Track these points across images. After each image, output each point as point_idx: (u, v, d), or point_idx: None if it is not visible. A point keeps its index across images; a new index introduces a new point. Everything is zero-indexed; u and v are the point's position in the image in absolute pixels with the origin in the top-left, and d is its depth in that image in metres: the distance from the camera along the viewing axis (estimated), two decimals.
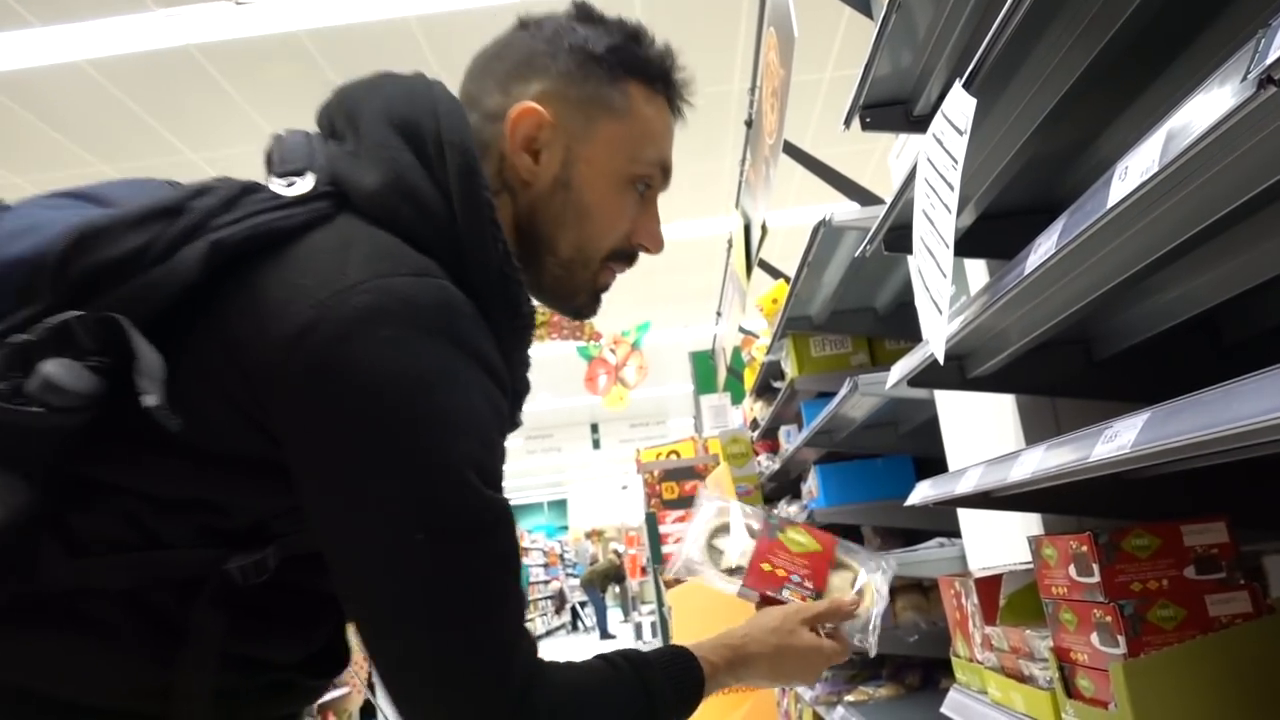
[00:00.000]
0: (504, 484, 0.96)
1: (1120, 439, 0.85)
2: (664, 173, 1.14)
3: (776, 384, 4.16)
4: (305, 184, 0.96)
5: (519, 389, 1.07)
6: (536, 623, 16.19)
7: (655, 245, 1.16)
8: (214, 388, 0.89)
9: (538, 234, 1.08)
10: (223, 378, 0.89)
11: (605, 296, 1.18)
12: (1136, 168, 0.78)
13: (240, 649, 0.94)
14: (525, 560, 16.74)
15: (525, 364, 1.09)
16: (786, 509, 4.27)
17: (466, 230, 0.96)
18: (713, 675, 1.10)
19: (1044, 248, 0.98)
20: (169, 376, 0.86)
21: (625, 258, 1.14)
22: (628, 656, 1.04)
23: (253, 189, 0.97)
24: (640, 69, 1.09)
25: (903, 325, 3.06)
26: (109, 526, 0.90)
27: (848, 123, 1.77)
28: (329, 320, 0.86)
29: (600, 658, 1.04)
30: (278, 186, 0.96)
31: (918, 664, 2.85)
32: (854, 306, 3.18)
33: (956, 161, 1.10)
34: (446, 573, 0.88)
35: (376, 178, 0.96)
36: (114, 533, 0.90)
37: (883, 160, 7.49)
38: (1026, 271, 1.04)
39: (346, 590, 0.92)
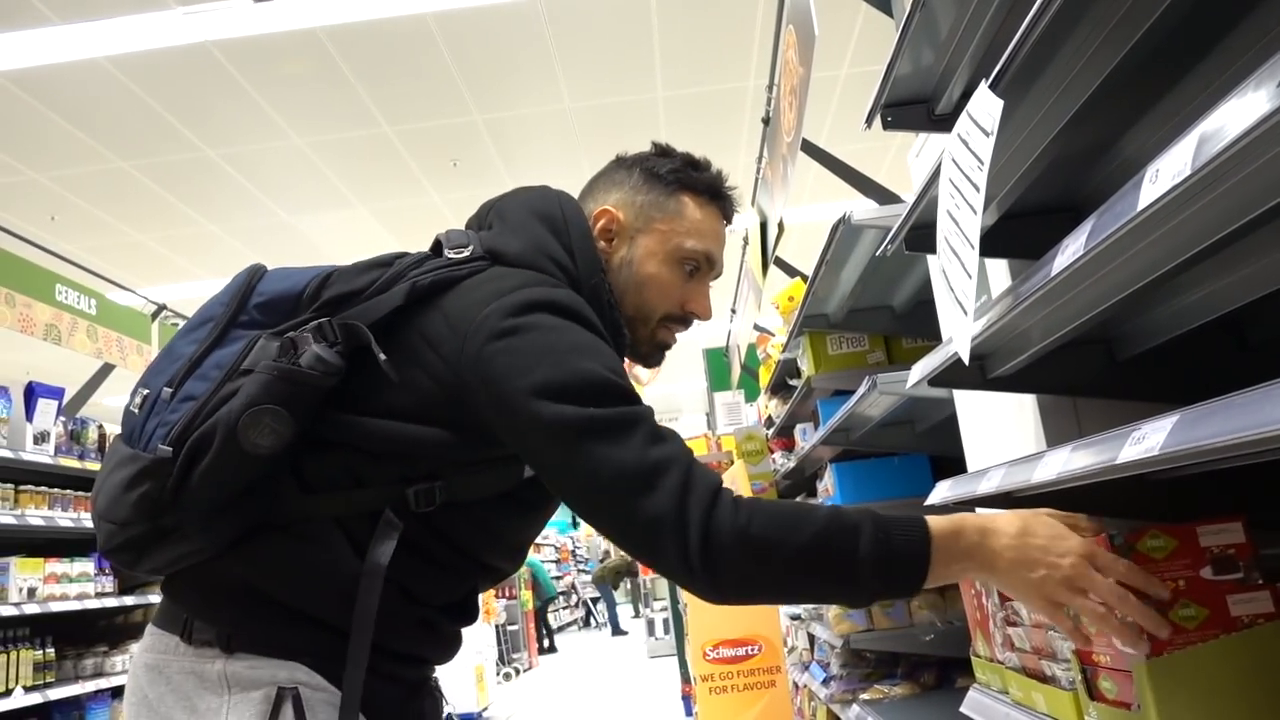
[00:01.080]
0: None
1: (1148, 441, 0.86)
2: (709, 261, 1.52)
3: (793, 382, 4.15)
4: (468, 251, 1.38)
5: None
6: (549, 618, 16.19)
7: (703, 314, 1.54)
8: (418, 367, 1.28)
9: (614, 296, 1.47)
10: (425, 360, 1.28)
11: None
12: (1168, 170, 0.78)
13: (402, 577, 1.28)
14: (537, 556, 16.81)
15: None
16: None
17: (584, 274, 1.40)
18: (941, 539, 1.10)
19: (1072, 249, 0.98)
20: (392, 365, 1.27)
21: (679, 320, 1.52)
22: (844, 509, 1.16)
23: (432, 256, 1.40)
24: (690, 185, 1.51)
25: (920, 323, 3.06)
26: (330, 471, 1.29)
27: (869, 122, 1.77)
28: (498, 309, 1.26)
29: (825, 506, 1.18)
30: (450, 254, 1.38)
31: (934, 663, 2.86)
32: (871, 304, 3.17)
33: (983, 162, 1.11)
34: (617, 435, 1.17)
35: (521, 243, 1.39)
36: (333, 475, 1.29)
37: (898, 156, 7.46)
38: (1054, 273, 1.04)
39: (563, 492, 1.24)
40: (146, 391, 1.31)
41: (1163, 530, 1.07)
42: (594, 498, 1.19)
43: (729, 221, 1.58)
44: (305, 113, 6.45)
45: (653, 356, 1.54)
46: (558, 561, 21.25)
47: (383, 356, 1.26)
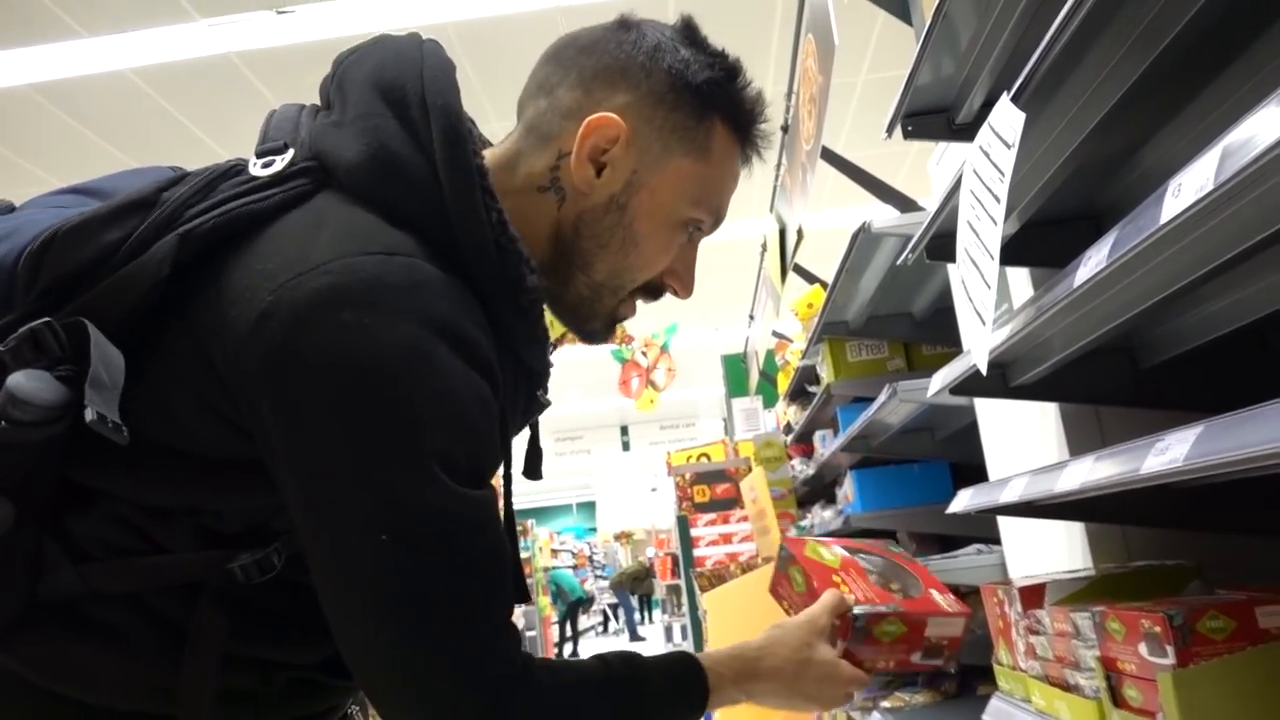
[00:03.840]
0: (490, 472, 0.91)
1: (1172, 452, 0.86)
2: (717, 220, 1.09)
3: (812, 389, 4.15)
4: (282, 162, 0.92)
5: (536, 367, 1.02)
6: (566, 625, 16.22)
7: (685, 290, 1.11)
8: (186, 387, 0.86)
9: (577, 248, 1.02)
10: (192, 375, 0.85)
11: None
12: (1191, 185, 0.78)
13: (249, 650, 0.93)
14: (554, 562, 16.80)
15: (539, 340, 1.00)
16: (821, 514, 4.27)
17: (454, 200, 0.90)
18: (719, 688, 1.04)
19: (1094, 260, 0.99)
20: (142, 379, 0.84)
21: (652, 292, 1.10)
22: (627, 660, 0.99)
23: (231, 172, 0.93)
24: (731, 111, 1.03)
25: (940, 330, 3.06)
26: (106, 531, 0.89)
27: (890, 131, 1.77)
28: (286, 305, 0.81)
29: (597, 658, 0.98)
30: (255, 167, 0.92)
31: (955, 670, 2.85)
32: (891, 312, 3.18)
33: (1004, 174, 1.11)
34: (411, 574, 0.83)
35: (358, 149, 0.91)
36: (111, 537, 0.89)
37: (916, 162, 7.45)
38: (1076, 284, 1.04)
39: (319, 587, 0.87)
40: None
41: (1221, 611, 1.04)
42: (350, 634, 0.86)
43: (748, 164, 1.11)
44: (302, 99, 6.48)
45: (603, 334, 1.10)
46: (574, 567, 21.26)
47: (90, 415, 0.78)
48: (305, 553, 0.87)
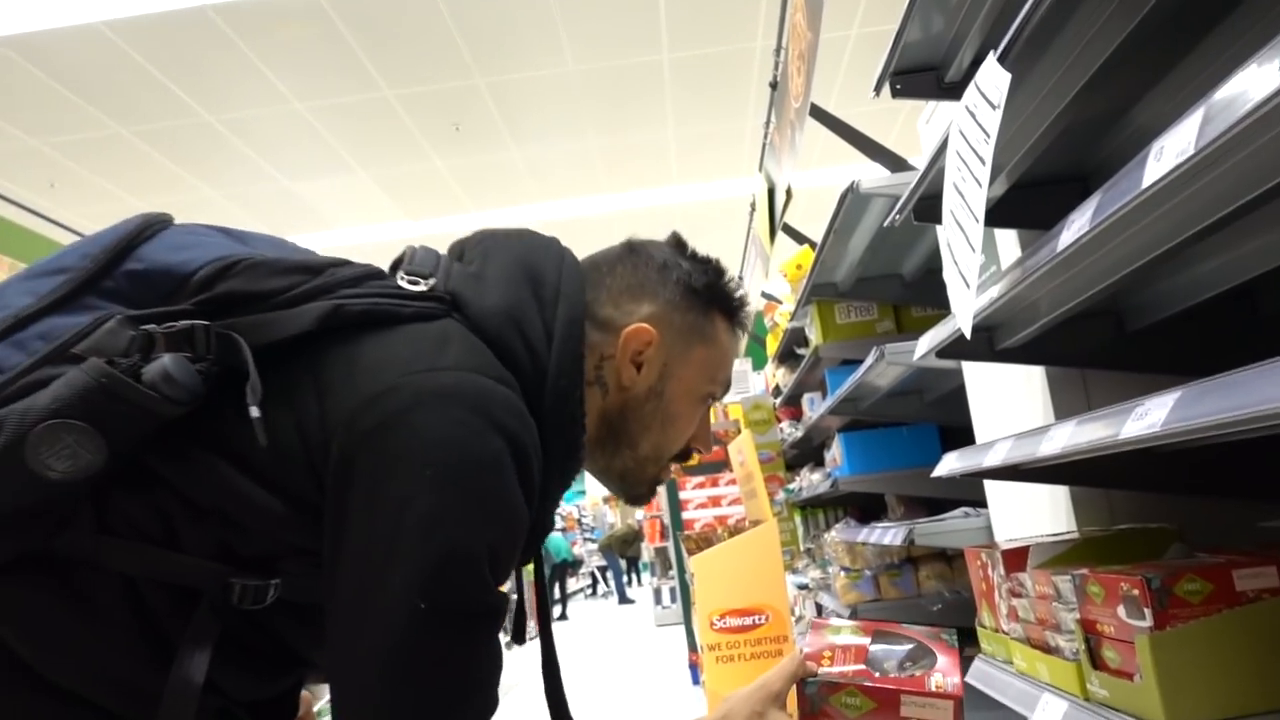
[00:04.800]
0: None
1: (1151, 417, 0.87)
2: (726, 388, 1.31)
3: (800, 351, 4.17)
4: (425, 285, 1.11)
5: (546, 524, 1.15)
6: (554, 587, 16.32)
7: (707, 448, 1.32)
8: (290, 418, 0.99)
9: (624, 430, 1.22)
10: (305, 413, 0.99)
11: None
12: (1172, 148, 0.79)
13: (212, 671, 0.99)
14: None
15: (556, 503, 1.18)
16: (809, 476, 4.30)
17: (555, 369, 1.09)
18: None
19: (1077, 224, 1.00)
20: (265, 403, 0.98)
21: (682, 457, 1.29)
22: None
23: (380, 274, 1.13)
24: (725, 304, 1.27)
25: (930, 292, 3.07)
26: (140, 514, 0.99)
27: (878, 89, 1.77)
28: (412, 388, 0.98)
29: None
30: (403, 281, 1.11)
31: None
32: (880, 273, 3.18)
33: (989, 135, 1.11)
34: (429, 645, 0.94)
35: (495, 301, 1.10)
36: (142, 521, 0.99)
37: (909, 120, 7.42)
38: (1059, 248, 1.05)
39: (333, 632, 0.97)
40: None
41: (1199, 574, 1.06)
42: (343, 699, 0.96)
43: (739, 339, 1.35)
44: (305, 77, 6.43)
45: (647, 496, 1.31)
46: (564, 530, 21.37)
47: (255, 411, 0.95)
48: (330, 602, 0.97)
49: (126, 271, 1.05)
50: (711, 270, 1.27)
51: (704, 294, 1.24)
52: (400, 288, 1.09)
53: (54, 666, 0.97)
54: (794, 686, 1.15)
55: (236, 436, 0.98)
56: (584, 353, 1.14)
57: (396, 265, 1.15)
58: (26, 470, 0.90)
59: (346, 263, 1.12)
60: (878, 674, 1.13)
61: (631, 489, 1.29)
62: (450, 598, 0.95)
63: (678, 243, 1.29)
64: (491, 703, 0.99)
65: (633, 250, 1.26)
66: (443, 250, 1.21)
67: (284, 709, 1.17)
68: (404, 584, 0.93)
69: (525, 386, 1.06)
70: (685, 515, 8.22)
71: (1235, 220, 0.97)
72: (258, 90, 6.50)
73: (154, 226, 1.09)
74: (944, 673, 1.13)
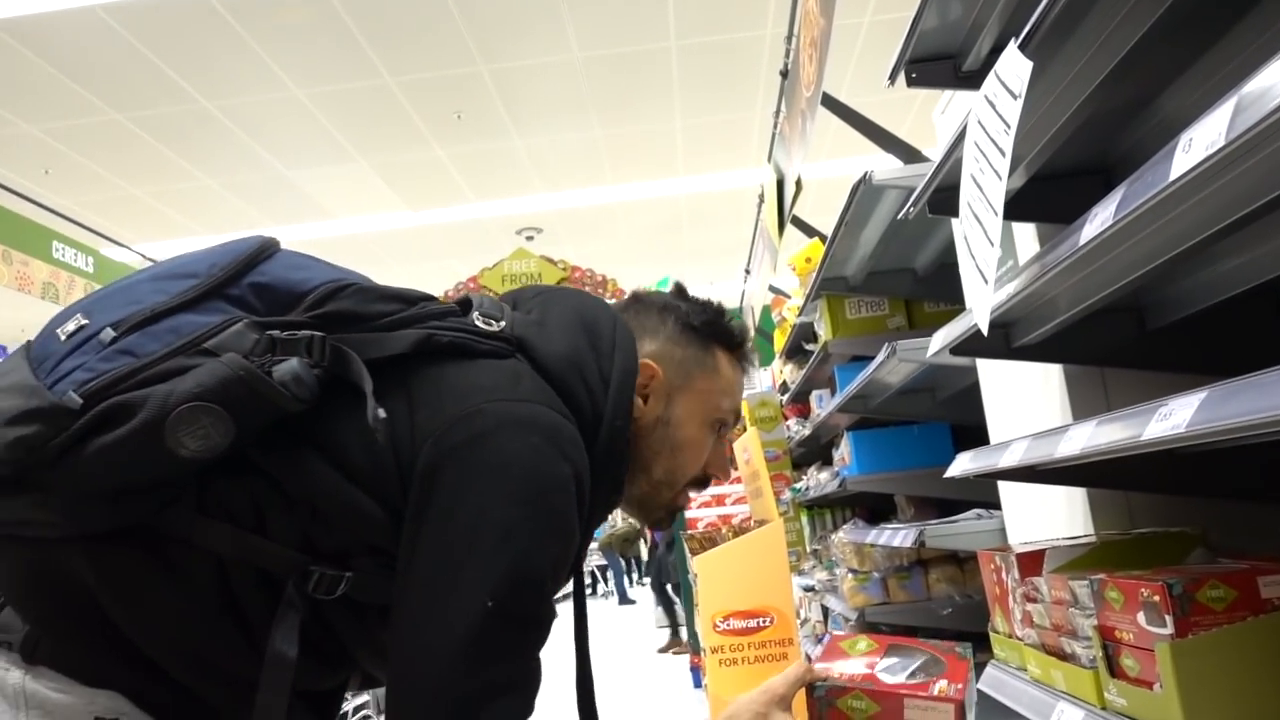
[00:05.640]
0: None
1: (1175, 418, 0.86)
2: (736, 418, 1.43)
3: (809, 346, 4.16)
4: (497, 327, 1.25)
5: (583, 550, 1.27)
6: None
7: (724, 474, 1.45)
8: (391, 432, 1.11)
9: (638, 456, 1.33)
10: (399, 423, 1.12)
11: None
12: (1202, 140, 0.78)
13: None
14: None
15: (594, 532, 1.30)
16: (817, 475, 4.29)
17: (611, 411, 1.24)
18: None
19: (1101, 218, 0.98)
20: (356, 410, 1.12)
21: (699, 483, 1.41)
22: None
23: (458, 312, 1.27)
24: (725, 339, 1.41)
25: (943, 287, 3.05)
26: (236, 500, 1.12)
27: (893, 78, 1.76)
28: (496, 413, 1.12)
29: None
30: (479, 321, 1.26)
31: (951, 637, 2.88)
32: (892, 267, 3.17)
33: (1009, 126, 1.10)
34: (492, 641, 1.04)
35: (558, 348, 1.25)
36: (236, 506, 1.12)
37: (923, 109, 7.40)
38: (1081, 242, 1.04)
39: (402, 623, 1.07)
40: (85, 322, 1.13)
41: (1222, 580, 1.05)
42: (403, 690, 1.05)
43: (745, 374, 1.49)
44: (305, 63, 6.41)
45: (666, 521, 1.44)
46: None
47: (381, 413, 1.10)
48: (400, 593, 1.08)
49: (251, 283, 1.20)
50: (711, 310, 1.43)
51: (703, 330, 1.39)
52: (476, 326, 1.25)
53: (143, 631, 1.09)
54: (801, 692, 1.20)
55: (337, 437, 1.13)
56: (632, 399, 1.28)
57: (465, 304, 1.30)
58: (163, 445, 1.03)
59: (433, 298, 1.29)
60: (885, 681, 1.18)
61: (650, 513, 1.41)
62: (515, 601, 1.05)
63: (678, 288, 1.48)
64: (529, 708, 1.09)
65: (637, 299, 1.45)
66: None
67: (330, 703, 1.29)
68: (476, 582, 1.04)
69: (581, 425, 1.20)
70: (689, 514, 8.20)
71: (1261, 217, 0.96)
72: (256, 76, 6.49)
73: (271, 247, 1.26)
74: (949, 679, 1.18)
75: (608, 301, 1.40)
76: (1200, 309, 1.45)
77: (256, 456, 1.12)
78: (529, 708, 1.09)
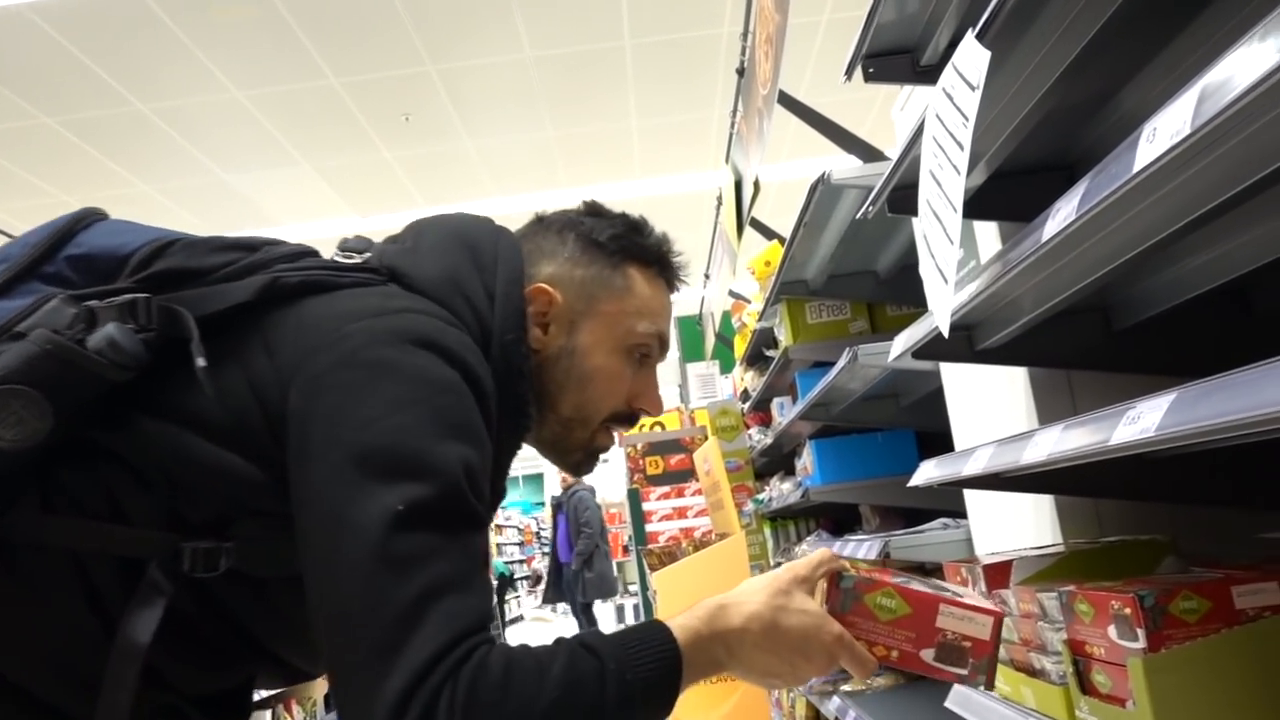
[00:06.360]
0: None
1: (1144, 421, 0.84)
2: (661, 344, 1.33)
3: (769, 353, 4.14)
4: (360, 259, 1.20)
5: (500, 486, 1.21)
6: (512, 604, 16.23)
7: (655, 408, 1.34)
8: (245, 378, 1.07)
9: (543, 393, 1.26)
10: (257, 370, 1.07)
11: None
12: (1166, 129, 0.76)
13: (155, 655, 1.02)
14: (500, 538, 16.66)
15: (508, 466, 1.24)
16: (779, 486, 4.28)
17: (500, 324, 1.17)
18: (694, 643, 1.03)
19: (1063, 213, 0.97)
20: (213, 366, 1.06)
21: (625, 420, 1.32)
22: (585, 642, 1.01)
23: (315, 253, 1.21)
24: (638, 254, 1.31)
25: (906, 289, 3.05)
26: (84, 490, 1.05)
27: (849, 74, 1.75)
28: (364, 330, 1.05)
29: (561, 641, 1.01)
30: (339, 257, 1.21)
31: (986, 686, 2.86)
32: (853, 270, 3.16)
33: (967, 119, 1.09)
34: (410, 544, 0.96)
35: (434, 269, 1.18)
36: (86, 497, 1.05)
37: (884, 108, 7.44)
38: (1044, 239, 1.02)
39: (311, 564, 0.99)
40: None
41: (1195, 591, 1.03)
42: (336, 620, 0.96)
43: (675, 291, 1.39)
44: (245, 64, 6.33)
45: (586, 465, 1.35)
46: (521, 544, 21.29)
47: (201, 361, 1.03)
48: (303, 541, 0.99)
49: (67, 257, 1.14)
50: (620, 223, 1.33)
51: (609, 246, 1.30)
52: (336, 262, 1.18)
53: (3, 654, 1.02)
54: (825, 582, 1.09)
55: (189, 402, 1.06)
56: (525, 310, 1.21)
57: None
58: None
59: (281, 242, 1.21)
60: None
61: (566, 456, 1.33)
62: (428, 502, 0.97)
63: (589, 204, 1.37)
64: (484, 605, 0.99)
65: (539, 220, 1.36)
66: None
67: (235, 707, 1.21)
68: (378, 493, 0.96)
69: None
70: (650, 528, 8.17)
71: (1229, 210, 0.95)
72: (194, 78, 6.40)
73: (92, 216, 1.19)
74: (981, 594, 1.09)
75: (500, 227, 1.31)
76: (1167, 308, 1.44)
77: (101, 438, 1.06)
78: (483, 605, 0.99)
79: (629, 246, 1.31)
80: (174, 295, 1.10)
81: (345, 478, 0.98)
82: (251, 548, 1.06)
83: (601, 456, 1.38)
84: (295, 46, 6.15)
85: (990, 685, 1.06)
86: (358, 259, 1.19)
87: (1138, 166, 0.80)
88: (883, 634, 1.06)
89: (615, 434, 1.35)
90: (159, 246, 1.14)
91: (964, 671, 1.06)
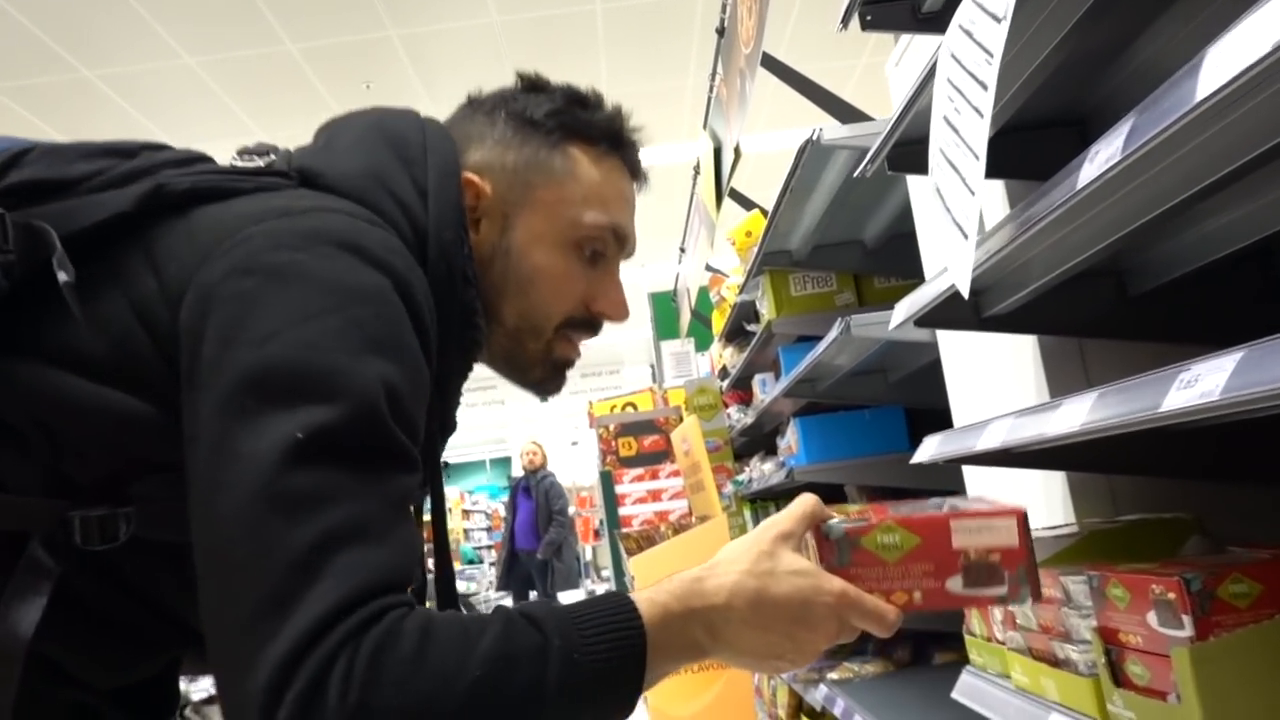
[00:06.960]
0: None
1: (1203, 384, 0.77)
2: (618, 237, 1.17)
3: (751, 327, 4.08)
4: (262, 162, 1.05)
5: (447, 417, 1.10)
6: (481, 592, 16.16)
7: (617, 313, 1.19)
8: (127, 300, 0.93)
9: (485, 302, 1.11)
10: (141, 290, 0.93)
11: None
12: (1230, 60, 0.69)
13: (51, 647, 0.90)
14: (467, 523, 16.53)
15: (458, 390, 1.12)
16: (761, 466, 4.23)
17: (436, 221, 1.04)
18: (664, 622, 0.88)
19: (1105, 155, 0.89)
20: (88, 289, 0.91)
21: (586, 326, 1.18)
22: (528, 613, 0.86)
23: (205, 158, 1.06)
24: (583, 131, 1.15)
25: (895, 260, 2.99)
26: None
27: (845, 22, 1.67)
28: (266, 233, 0.92)
29: (499, 609, 0.86)
30: (237, 161, 1.06)
31: (907, 636, 2.82)
32: (840, 239, 3.11)
33: (992, 55, 1.01)
34: (310, 484, 0.81)
35: (352, 165, 1.05)
36: None
37: (865, 75, 7.37)
38: (1079, 185, 0.95)
39: (196, 503, 0.85)
40: None
41: (1245, 574, 0.96)
42: (216, 571, 0.82)
43: (637, 177, 1.22)
44: (196, 28, 6.22)
45: (550, 381, 1.20)
46: (489, 529, 21.19)
47: (64, 276, 0.88)
48: (191, 476, 0.85)
49: None
50: (559, 97, 1.17)
51: (546, 124, 1.14)
52: (234, 167, 1.04)
53: None
54: (812, 539, 0.96)
55: (62, 334, 0.91)
56: (463, 205, 1.08)
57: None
58: None
59: (165, 146, 1.08)
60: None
61: (526, 374, 1.19)
62: (335, 430, 0.83)
63: (526, 78, 1.20)
64: (403, 564, 0.84)
65: (469, 102, 1.20)
66: None
67: (159, 697, 1.08)
68: (276, 419, 0.82)
69: (407, 246, 1.00)
70: (623, 511, 8.11)
71: (1255, 170, 0.88)
72: (143, 43, 6.27)
73: None
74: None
75: (429, 118, 1.17)
76: (1186, 271, 1.38)
77: None
78: (401, 559, 0.84)
79: (570, 123, 1.15)
80: (35, 210, 0.94)
81: (237, 404, 0.84)
82: (156, 510, 0.91)
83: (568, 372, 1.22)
84: (250, 10, 6.04)
85: (1037, 596, 0.92)
86: (260, 163, 1.05)
87: (1200, 95, 0.73)
88: (896, 577, 0.93)
89: (578, 342, 1.20)
90: (13, 155, 0.99)
91: (1003, 590, 0.92)
